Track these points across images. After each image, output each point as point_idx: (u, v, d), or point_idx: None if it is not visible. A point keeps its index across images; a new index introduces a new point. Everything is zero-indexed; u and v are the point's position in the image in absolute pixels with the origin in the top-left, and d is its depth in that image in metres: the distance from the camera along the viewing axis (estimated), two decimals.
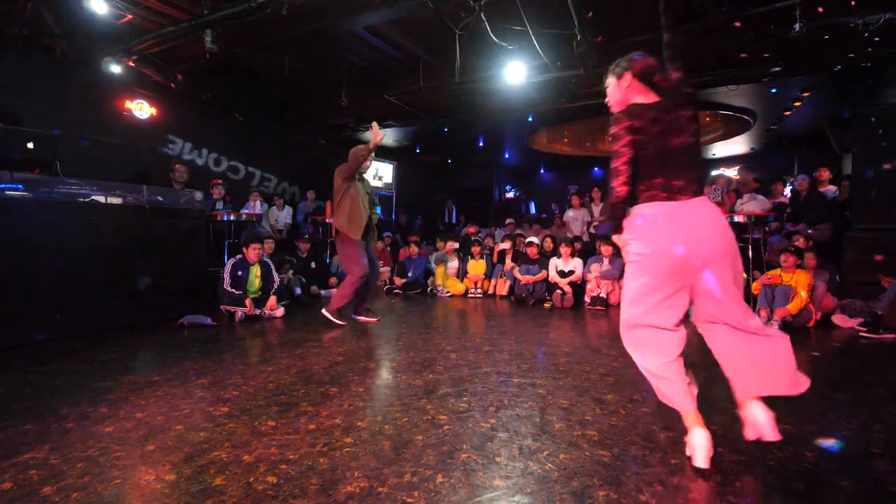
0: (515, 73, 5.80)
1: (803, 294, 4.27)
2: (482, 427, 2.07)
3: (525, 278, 5.89)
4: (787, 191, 7.07)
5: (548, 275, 5.86)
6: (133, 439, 1.95)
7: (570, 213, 7.67)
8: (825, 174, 5.93)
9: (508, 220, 8.59)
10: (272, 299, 4.68)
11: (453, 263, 6.70)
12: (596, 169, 13.80)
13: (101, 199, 4.17)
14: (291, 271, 5.64)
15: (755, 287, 4.61)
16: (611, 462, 1.77)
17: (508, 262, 6.41)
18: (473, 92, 7.00)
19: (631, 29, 5.45)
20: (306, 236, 6.48)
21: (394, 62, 6.90)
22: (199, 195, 4.92)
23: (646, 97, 1.83)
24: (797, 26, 4.49)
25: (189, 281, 4.69)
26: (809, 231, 5.38)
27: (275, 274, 4.88)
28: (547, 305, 5.63)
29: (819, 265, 4.78)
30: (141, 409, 2.28)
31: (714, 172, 7.99)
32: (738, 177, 6.46)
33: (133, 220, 4.31)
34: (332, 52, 6.58)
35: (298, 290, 5.65)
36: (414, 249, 7.02)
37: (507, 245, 6.84)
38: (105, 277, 4.02)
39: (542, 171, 14.98)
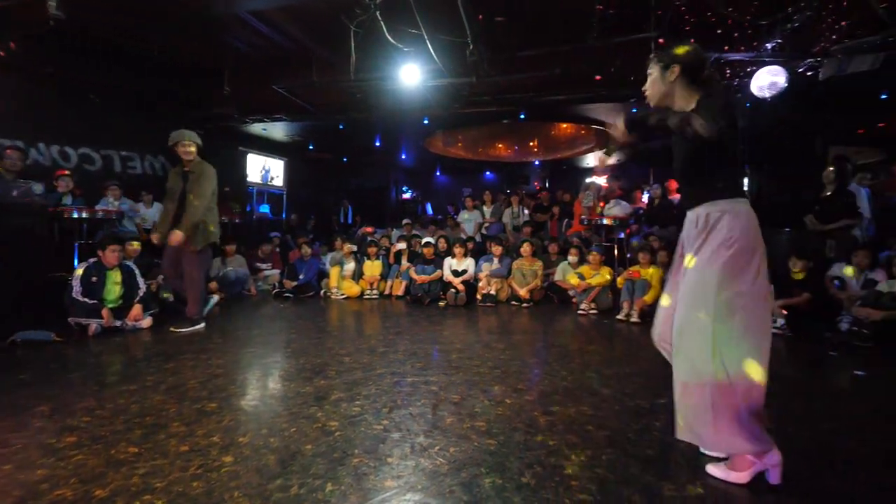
0: (410, 75, 5.84)
1: (657, 287, 4.94)
2: (375, 429, 2.05)
3: (420, 278, 5.97)
4: (645, 198, 8.10)
5: (442, 274, 6.00)
6: None
7: (464, 215, 7.95)
8: (674, 184, 6.93)
9: (406, 221, 8.64)
10: (136, 308, 4.14)
11: (349, 265, 6.55)
12: (488, 173, 14.48)
13: None
14: (161, 276, 5.03)
15: (619, 281, 5.21)
16: (496, 450, 1.87)
17: (405, 263, 6.44)
18: (369, 90, 6.89)
19: (522, 44, 5.83)
20: None
21: (284, 52, 6.52)
22: (38, 187, 4.18)
23: (687, 99, 1.73)
24: (651, 55, 5.18)
25: (24, 290, 3.94)
26: (661, 232, 6.23)
27: (139, 279, 4.33)
28: (442, 304, 5.77)
29: (670, 261, 5.58)
30: None
31: (587, 180, 8.87)
32: (606, 184, 7.25)
33: None
34: (212, 34, 6.01)
35: (170, 297, 5.06)
36: (306, 250, 6.72)
37: (403, 245, 6.87)
38: None
39: (438, 174, 15.30)
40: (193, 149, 4.03)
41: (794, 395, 2.67)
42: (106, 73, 6.73)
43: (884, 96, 6.39)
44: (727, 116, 1.58)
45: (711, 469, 1.67)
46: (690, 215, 1.78)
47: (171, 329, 4.00)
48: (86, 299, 3.91)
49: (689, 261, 1.70)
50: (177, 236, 3.90)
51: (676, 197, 6.95)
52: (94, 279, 4.02)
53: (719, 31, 5.28)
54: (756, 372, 1.54)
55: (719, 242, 1.60)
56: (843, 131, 7.70)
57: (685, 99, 1.74)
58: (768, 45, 5.20)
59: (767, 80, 5.12)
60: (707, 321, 1.57)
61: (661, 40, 5.20)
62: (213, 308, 4.79)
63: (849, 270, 4.49)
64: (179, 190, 4.05)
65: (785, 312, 4.36)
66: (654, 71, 1.80)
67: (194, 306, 4.18)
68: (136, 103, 7.44)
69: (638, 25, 5.17)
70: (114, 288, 4.15)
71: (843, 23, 4.74)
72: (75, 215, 4.90)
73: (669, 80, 1.75)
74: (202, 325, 4.21)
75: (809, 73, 5.46)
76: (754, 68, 5.32)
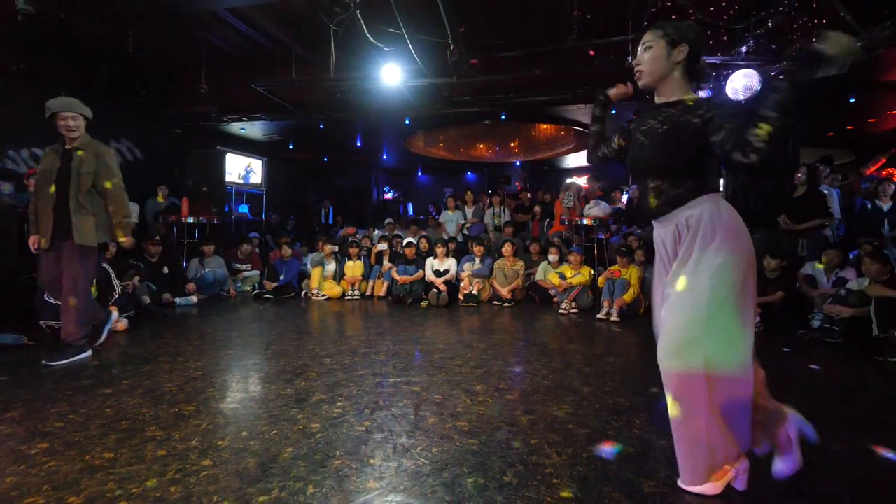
0: (391, 75, 5.83)
1: (636, 286, 5.03)
2: (356, 431, 2.05)
3: (402, 278, 5.96)
4: (624, 198, 8.22)
5: (424, 274, 6.00)
6: None
7: (445, 215, 7.96)
8: None
9: (388, 221, 8.60)
10: (111, 310, 4.02)
11: (331, 266, 6.49)
12: (469, 173, 14.53)
13: None
14: (137, 278, 4.92)
15: (600, 280, 5.29)
16: (479, 449, 1.88)
17: (386, 263, 6.42)
18: (350, 90, 6.85)
19: (502, 45, 5.86)
20: (157, 238, 5.71)
21: (263, 51, 6.43)
22: (6, 187, 4.04)
23: (680, 87, 1.59)
24: (630, 59, 5.27)
25: None
26: (639, 231, 6.35)
27: (115, 281, 4.22)
28: (424, 304, 5.77)
29: (648, 260, 5.70)
30: None
31: (568, 181, 8.96)
32: (587, 185, 7.34)
33: None
34: (189, 31, 5.89)
35: (147, 299, 4.96)
36: (287, 251, 6.63)
37: (384, 246, 6.84)
38: None
39: (419, 173, 15.28)
40: (81, 123, 3.21)
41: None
42: (79, 71, 6.54)
43: (852, 100, 6.62)
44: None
45: (683, 483, 1.59)
46: (665, 227, 1.63)
47: (44, 363, 3.01)
48: (58, 301, 3.79)
49: (680, 281, 1.54)
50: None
51: None
52: None
53: None
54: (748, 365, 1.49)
55: (712, 244, 1.49)
56: (814, 133, 7.97)
57: (679, 86, 1.59)
58: (742, 49, 5.35)
59: (742, 84, 5.25)
60: (723, 314, 1.47)
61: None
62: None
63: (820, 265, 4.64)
64: (55, 172, 3.14)
65: (759, 310, 4.49)
66: (656, 46, 1.56)
67: (74, 326, 3.14)
68: (111, 103, 7.23)
69: (616, 28, 5.27)
70: None
71: (816, 25, 4.91)
72: None
73: (675, 61, 1.55)
74: (88, 353, 3.22)
75: (781, 77, 5.62)
76: (729, 71, 5.46)
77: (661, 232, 1.67)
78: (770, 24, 4.86)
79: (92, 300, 3.41)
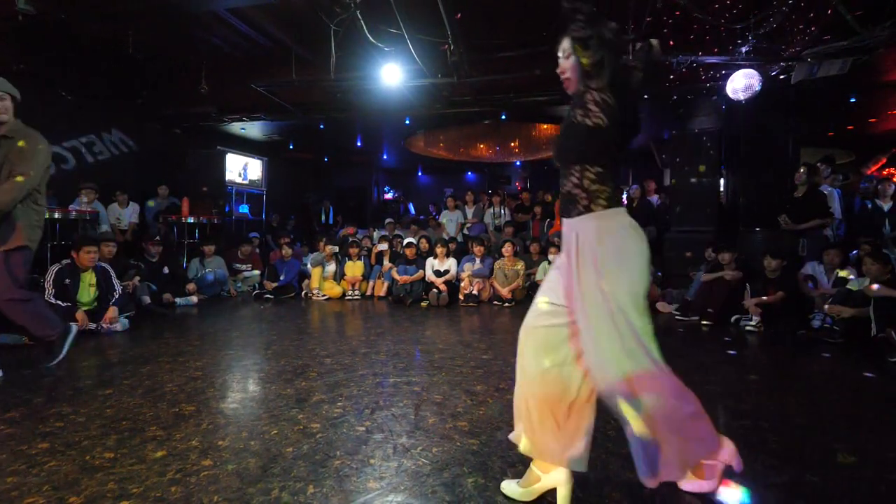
0: (392, 75, 5.83)
1: None
2: (357, 431, 2.05)
3: (403, 278, 5.96)
4: (624, 198, 8.24)
5: (424, 274, 6.00)
6: None
7: (445, 215, 7.96)
8: (652, 185, 7.08)
9: (388, 221, 8.60)
10: (112, 311, 4.03)
11: (331, 266, 6.50)
12: (469, 174, 14.53)
13: None
14: (137, 278, 4.92)
15: None
16: (479, 449, 1.88)
17: (386, 263, 6.42)
18: (350, 90, 6.85)
19: (502, 45, 5.86)
20: (157, 238, 5.71)
21: (263, 51, 6.44)
22: None
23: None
24: (627, 58, 5.26)
25: None
26: None
27: (115, 281, 4.22)
28: (424, 304, 5.77)
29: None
30: None
31: None
32: None
33: None
34: (189, 31, 5.90)
35: (147, 299, 4.96)
36: (287, 251, 6.64)
37: (384, 246, 6.84)
38: None
39: (420, 174, 15.29)
40: (9, 104, 2.79)
41: (768, 392, 2.75)
42: (79, 71, 6.55)
43: (852, 100, 6.62)
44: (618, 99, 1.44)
45: (684, 484, 1.54)
46: (568, 231, 1.56)
47: (45, 367, 2.95)
48: (59, 302, 3.80)
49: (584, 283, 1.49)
50: None
51: (655, 197, 7.09)
52: (67, 281, 3.91)
53: (695, 32, 5.39)
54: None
55: (595, 268, 1.46)
56: (814, 133, 7.97)
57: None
58: (742, 49, 5.34)
59: (742, 84, 5.25)
60: (620, 321, 1.44)
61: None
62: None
63: (843, 273, 4.55)
64: None
65: (760, 310, 4.49)
66: (574, 51, 1.50)
67: (37, 325, 2.91)
68: (111, 102, 7.23)
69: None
70: (88, 290, 4.04)
71: (813, 28, 4.90)
72: (46, 216, 4.75)
73: (593, 62, 1.46)
74: (72, 329, 3.10)
75: (782, 77, 5.62)
76: (729, 71, 5.46)
77: (565, 232, 1.60)
78: (772, 22, 4.85)
79: (43, 306, 3.09)
